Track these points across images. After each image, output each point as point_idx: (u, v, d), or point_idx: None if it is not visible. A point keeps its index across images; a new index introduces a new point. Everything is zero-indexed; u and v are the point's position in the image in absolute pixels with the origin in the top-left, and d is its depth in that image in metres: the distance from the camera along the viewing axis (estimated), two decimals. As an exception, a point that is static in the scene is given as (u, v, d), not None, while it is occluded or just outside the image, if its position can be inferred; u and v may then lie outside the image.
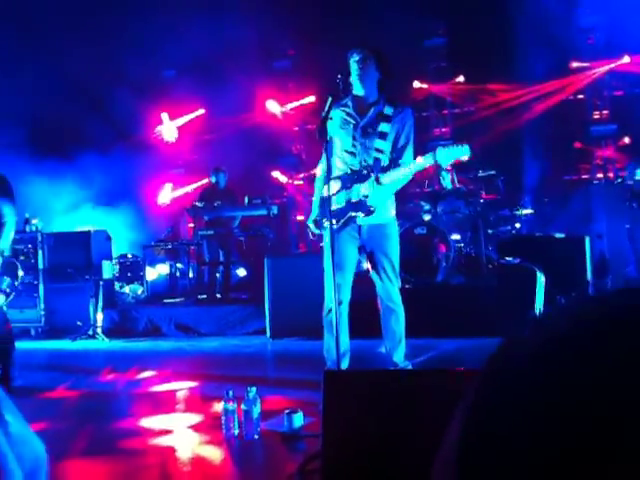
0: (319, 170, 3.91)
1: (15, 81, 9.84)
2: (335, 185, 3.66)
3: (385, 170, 3.65)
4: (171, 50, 11.38)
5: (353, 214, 3.67)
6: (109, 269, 7.86)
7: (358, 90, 3.64)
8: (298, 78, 12.05)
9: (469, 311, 6.05)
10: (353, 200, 3.65)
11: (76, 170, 10.18)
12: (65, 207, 9.88)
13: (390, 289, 3.74)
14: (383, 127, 3.65)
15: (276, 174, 11.99)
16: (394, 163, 3.69)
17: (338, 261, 3.60)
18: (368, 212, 3.66)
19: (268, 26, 10.42)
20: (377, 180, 3.59)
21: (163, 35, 10.94)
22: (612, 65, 10.31)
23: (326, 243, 3.74)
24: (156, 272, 8.85)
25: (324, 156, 3.71)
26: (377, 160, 3.67)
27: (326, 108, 3.36)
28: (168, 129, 12.65)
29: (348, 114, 3.67)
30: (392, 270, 3.74)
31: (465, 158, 3.52)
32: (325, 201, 3.65)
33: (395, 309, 3.76)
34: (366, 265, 4.01)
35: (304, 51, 11.34)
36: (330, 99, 3.36)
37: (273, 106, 12.17)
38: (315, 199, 3.86)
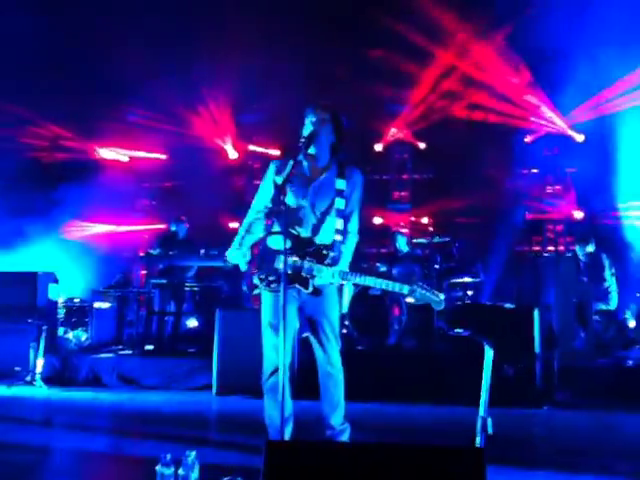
0: (259, 207, 3.73)
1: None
2: (280, 242, 3.43)
3: (340, 256, 3.57)
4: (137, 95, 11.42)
5: (298, 286, 3.55)
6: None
7: (311, 150, 3.57)
8: (264, 132, 12.20)
9: (420, 376, 6.05)
10: (303, 274, 3.53)
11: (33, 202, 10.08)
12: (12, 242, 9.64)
13: (330, 351, 3.61)
14: (339, 184, 3.61)
15: (235, 225, 12.01)
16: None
17: (278, 322, 3.50)
18: (316, 293, 3.56)
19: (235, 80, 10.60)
20: (332, 275, 3.49)
21: (131, 78, 10.98)
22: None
23: (266, 301, 3.63)
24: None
25: (264, 200, 3.68)
26: (334, 234, 3.59)
27: (287, 169, 3.36)
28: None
29: (300, 172, 3.58)
30: (332, 332, 3.62)
31: (436, 308, 3.51)
32: (267, 256, 3.56)
33: (333, 373, 3.63)
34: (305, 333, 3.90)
35: (271, 106, 11.52)
36: (291, 161, 3.36)
37: (232, 153, 12.28)
38: (249, 235, 3.65)
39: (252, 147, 12.31)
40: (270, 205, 3.68)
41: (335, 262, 3.55)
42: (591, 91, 9.93)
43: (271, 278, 3.56)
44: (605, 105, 10.02)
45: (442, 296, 3.48)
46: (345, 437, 3.64)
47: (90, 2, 10.16)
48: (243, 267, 3.62)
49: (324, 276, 3.50)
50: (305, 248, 3.57)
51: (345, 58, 10.44)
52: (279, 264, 3.52)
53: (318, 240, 3.61)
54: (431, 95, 11.04)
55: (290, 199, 3.55)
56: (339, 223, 3.60)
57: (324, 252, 3.56)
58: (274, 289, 3.55)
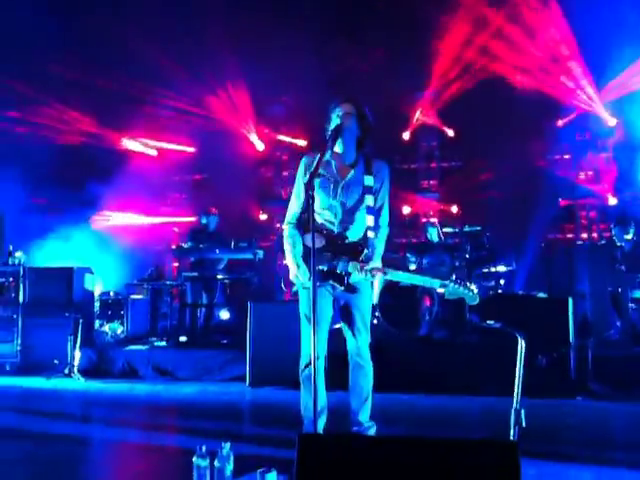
0: (291, 217, 3.76)
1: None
2: (317, 240, 3.47)
3: (373, 251, 3.60)
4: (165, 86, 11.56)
5: (333, 283, 3.60)
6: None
7: (337, 146, 3.60)
8: (290, 124, 12.22)
9: (452, 367, 6.03)
10: (338, 271, 3.58)
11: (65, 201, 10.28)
12: (50, 239, 9.84)
13: (360, 344, 3.67)
14: (368, 181, 3.63)
15: (263, 216, 12.10)
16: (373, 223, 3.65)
17: (315, 316, 3.57)
18: (350, 290, 3.61)
19: (261, 73, 10.63)
20: (365, 272, 3.51)
21: (156, 75, 11.11)
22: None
23: (303, 297, 3.69)
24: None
25: (297, 205, 3.71)
26: (366, 229, 3.62)
27: (314, 165, 3.36)
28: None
29: (329, 172, 3.62)
30: (363, 324, 3.67)
31: (470, 303, 3.48)
32: (307, 254, 3.59)
33: (364, 365, 3.68)
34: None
35: (296, 98, 11.53)
36: (318, 156, 3.37)
37: (259, 145, 12.32)
38: (296, 250, 3.68)
39: (280, 137, 12.30)
40: (303, 205, 3.71)
41: (369, 259, 3.58)
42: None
43: (307, 284, 3.58)
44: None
45: (476, 290, 3.47)
46: (371, 434, 3.66)
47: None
48: (308, 284, 3.56)
49: (359, 273, 3.53)
50: (339, 245, 3.62)
51: (371, 48, 10.38)
52: (316, 262, 3.56)
53: (351, 237, 3.65)
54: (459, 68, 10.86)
55: (321, 198, 3.58)
56: (370, 219, 3.63)
57: (359, 249, 3.59)
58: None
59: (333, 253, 3.60)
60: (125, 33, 10.34)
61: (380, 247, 3.69)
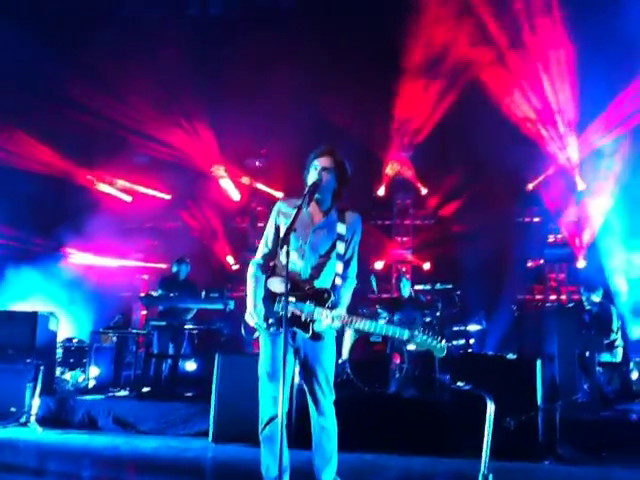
0: (259, 258, 3.73)
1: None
2: (282, 285, 3.46)
3: (339, 300, 3.57)
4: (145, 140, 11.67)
5: (296, 329, 3.52)
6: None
7: (315, 195, 3.61)
8: (269, 175, 12.34)
9: (420, 427, 5.94)
10: (302, 317, 3.50)
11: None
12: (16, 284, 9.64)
13: (323, 403, 3.56)
14: (340, 229, 3.62)
15: (236, 267, 12.07)
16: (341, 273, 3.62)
17: (274, 370, 3.50)
18: (314, 337, 3.52)
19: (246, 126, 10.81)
20: (332, 319, 3.46)
21: (139, 125, 11.23)
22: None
23: (264, 347, 3.59)
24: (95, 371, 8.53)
25: (266, 248, 3.70)
26: (334, 277, 3.60)
27: (291, 218, 3.37)
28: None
29: (302, 216, 3.55)
30: (326, 382, 3.58)
31: (438, 355, 3.47)
32: (266, 300, 3.55)
33: (327, 426, 3.57)
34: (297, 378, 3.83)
35: (276, 150, 11.70)
36: (295, 211, 3.38)
37: (235, 195, 12.38)
38: (257, 291, 3.62)
39: (258, 185, 12.38)
40: (271, 248, 3.69)
41: (335, 306, 3.53)
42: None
43: (270, 321, 3.52)
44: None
45: (444, 343, 3.44)
46: None
47: (103, 41, 10.44)
48: (263, 325, 3.55)
49: (325, 320, 3.47)
50: (305, 291, 3.55)
51: (350, 106, 10.62)
52: (278, 307, 3.51)
53: (317, 283, 3.60)
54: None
55: (292, 242, 3.52)
56: (339, 267, 3.61)
57: (325, 296, 3.54)
58: (273, 332, 3.52)
59: (297, 298, 3.52)
60: (111, 74, 10.52)
61: (346, 297, 3.64)
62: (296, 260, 3.57)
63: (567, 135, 10.56)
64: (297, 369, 3.77)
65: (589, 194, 10.56)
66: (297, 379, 3.91)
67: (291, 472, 3.55)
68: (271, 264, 3.72)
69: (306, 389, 3.63)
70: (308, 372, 3.59)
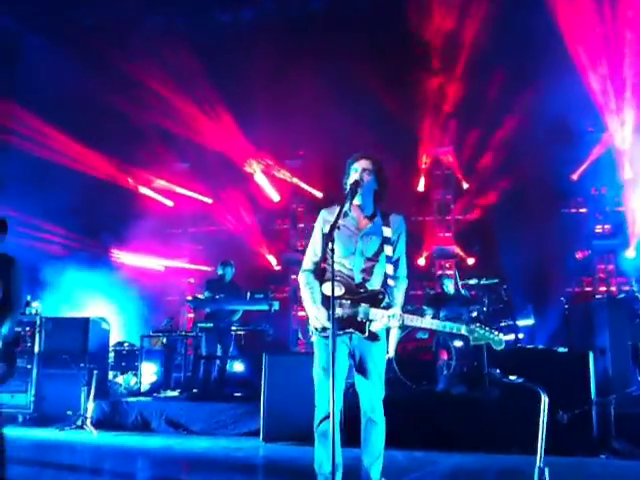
0: (310, 265, 3.78)
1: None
2: (336, 289, 3.53)
3: (393, 300, 3.62)
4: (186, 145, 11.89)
5: (353, 331, 3.58)
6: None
7: (356, 199, 3.67)
8: (308, 176, 12.40)
9: (470, 423, 5.89)
10: (358, 318, 3.57)
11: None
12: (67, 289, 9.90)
13: (375, 399, 3.61)
14: (386, 232, 3.69)
15: (278, 267, 12.18)
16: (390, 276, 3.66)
17: (330, 367, 3.53)
18: (370, 337, 3.59)
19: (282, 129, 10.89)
20: (388, 318, 3.52)
21: (180, 131, 11.45)
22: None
23: (320, 347, 3.64)
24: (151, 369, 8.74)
25: (315, 255, 3.73)
26: (385, 278, 3.64)
27: (334, 217, 3.41)
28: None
29: (348, 223, 3.67)
30: (379, 378, 3.63)
31: (496, 347, 3.45)
32: (324, 303, 3.59)
33: (377, 421, 3.61)
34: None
35: (313, 152, 11.75)
36: (337, 209, 3.41)
37: (275, 196, 12.48)
38: (314, 296, 3.67)
39: (298, 183, 12.43)
40: (321, 254, 3.73)
41: (389, 306, 3.59)
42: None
43: (327, 324, 3.57)
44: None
45: (501, 335, 3.45)
46: None
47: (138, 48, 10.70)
48: (327, 324, 3.55)
49: (381, 320, 3.52)
50: (359, 294, 3.62)
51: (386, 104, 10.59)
52: (335, 310, 3.55)
53: (370, 286, 3.65)
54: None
55: (341, 248, 3.61)
56: (389, 268, 3.66)
57: (379, 297, 3.60)
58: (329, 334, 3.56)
59: (352, 301, 3.59)
60: (152, 81, 10.79)
61: (399, 296, 3.69)
62: (347, 265, 3.65)
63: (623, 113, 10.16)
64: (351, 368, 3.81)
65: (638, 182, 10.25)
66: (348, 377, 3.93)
67: (344, 470, 3.58)
68: (322, 270, 3.75)
69: (357, 387, 3.67)
70: (362, 371, 3.64)
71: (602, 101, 10.25)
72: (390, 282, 3.65)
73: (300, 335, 3.76)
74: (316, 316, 3.61)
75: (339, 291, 3.57)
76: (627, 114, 10.23)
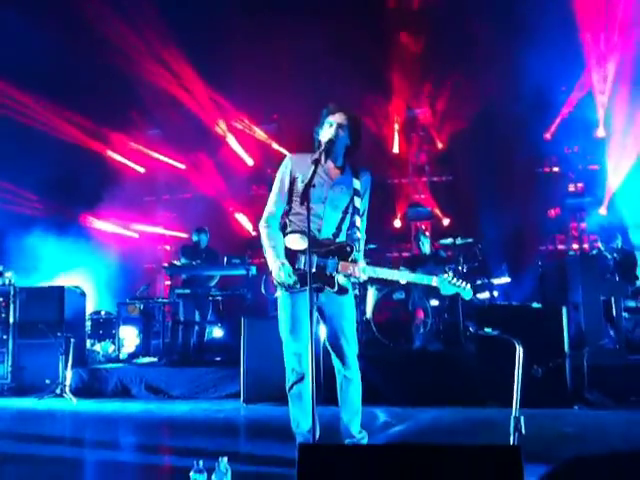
0: (272, 214, 3.65)
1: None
2: (300, 241, 3.48)
3: (361, 249, 3.59)
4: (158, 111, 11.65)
5: (322, 286, 3.50)
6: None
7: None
8: (283, 141, 12.30)
9: (447, 379, 6.00)
10: (327, 272, 3.48)
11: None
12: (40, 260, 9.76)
13: (349, 355, 3.56)
14: (355, 184, 3.61)
15: (254, 232, 12.13)
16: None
17: (297, 328, 3.49)
18: (340, 291, 3.51)
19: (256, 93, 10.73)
20: (359, 271, 3.46)
21: (151, 97, 11.19)
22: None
23: (284, 305, 3.56)
24: (133, 332, 8.71)
25: (279, 204, 3.62)
26: (351, 228, 3.59)
27: (309, 175, 3.34)
28: None
29: (318, 174, 3.49)
30: (352, 335, 3.58)
31: (466, 297, 3.51)
32: (289, 256, 3.51)
33: (353, 378, 3.59)
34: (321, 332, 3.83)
35: (287, 115, 11.62)
36: (314, 166, 3.35)
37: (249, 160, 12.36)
38: (277, 249, 3.53)
39: (273, 145, 12.30)
40: (286, 205, 3.65)
41: (357, 259, 3.54)
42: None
43: (293, 279, 3.48)
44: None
45: (469, 285, 3.50)
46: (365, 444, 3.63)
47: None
48: (291, 281, 3.47)
49: (351, 272, 3.47)
50: (327, 246, 3.54)
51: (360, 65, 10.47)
52: (300, 264, 3.51)
53: (338, 239, 3.60)
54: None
55: (311, 198, 3.48)
56: (358, 221, 3.61)
57: (347, 249, 3.53)
58: (296, 290, 3.49)
59: (320, 255, 3.50)
60: (123, 41, 10.49)
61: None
62: (315, 217, 3.52)
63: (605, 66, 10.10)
64: (321, 327, 3.78)
65: (614, 141, 10.31)
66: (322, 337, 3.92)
67: (321, 427, 3.60)
68: (283, 222, 3.67)
69: (330, 344, 3.62)
70: (333, 327, 3.58)
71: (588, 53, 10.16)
72: (358, 235, 3.59)
73: (263, 290, 3.60)
74: (278, 270, 3.48)
75: (304, 244, 3.45)
76: (610, 68, 10.20)
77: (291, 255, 3.55)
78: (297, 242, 3.54)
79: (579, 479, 3.50)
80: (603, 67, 10.19)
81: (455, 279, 3.42)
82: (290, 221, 3.65)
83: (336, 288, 3.51)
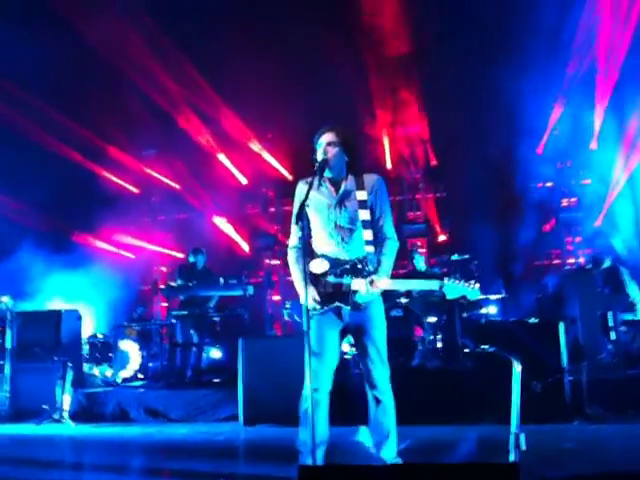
0: (295, 242, 3.74)
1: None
2: (322, 264, 3.56)
3: (379, 266, 3.59)
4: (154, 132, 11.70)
5: (340, 305, 3.55)
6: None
7: (327, 172, 3.63)
8: (277, 160, 12.36)
9: (446, 396, 5.98)
10: (343, 290, 3.54)
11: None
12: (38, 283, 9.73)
13: (377, 376, 3.55)
14: (360, 195, 3.61)
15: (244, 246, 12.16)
16: (375, 238, 3.62)
17: (316, 347, 3.52)
18: (356, 308, 3.55)
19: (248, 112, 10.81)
20: (372, 283, 3.50)
21: (146, 117, 11.26)
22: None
23: (311, 328, 3.59)
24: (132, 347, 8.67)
25: (298, 230, 3.68)
26: (364, 244, 3.62)
27: (304, 195, 3.39)
28: None
29: (322, 194, 3.62)
30: (378, 355, 3.55)
31: (473, 298, 3.50)
32: (310, 279, 3.56)
33: (382, 398, 3.56)
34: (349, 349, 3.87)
35: (281, 133, 11.70)
36: (308, 186, 3.39)
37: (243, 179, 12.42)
38: (299, 274, 3.65)
39: (268, 161, 12.37)
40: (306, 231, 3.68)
41: (371, 274, 3.55)
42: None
43: (317, 301, 3.56)
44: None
45: (477, 285, 3.48)
46: None
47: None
48: (313, 305, 3.55)
49: (363, 288, 3.50)
50: (341, 266, 3.58)
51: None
52: (320, 287, 3.57)
53: (351, 255, 3.61)
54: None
55: (319, 221, 3.59)
56: (367, 234, 3.60)
57: (358, 266, 3.56)
58: (319, 312, 3.56)
59: (336, 275, 3.57)
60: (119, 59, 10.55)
61: (386, 261, 3.61)
62: (327, 238, 3.62)
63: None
64: (344, 346, 3.81)
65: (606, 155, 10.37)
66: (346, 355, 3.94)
67: (330, 447, 3.57)
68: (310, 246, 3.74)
69: (360, 363, 3.66)
70: (359, 346, 3.62)
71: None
72: (369, 249, 3.59)
73: (287, 316, 3.67)
74: (302, 296, 3.55)
75: (326, 266, 3.56)
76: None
77: (313, 279, 3.60)
78: (318, 266, 3.61)
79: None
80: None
81: (460, 281, 3.43)
82: (315, 246, 3.72)
83: (350, 306, 3.54)
